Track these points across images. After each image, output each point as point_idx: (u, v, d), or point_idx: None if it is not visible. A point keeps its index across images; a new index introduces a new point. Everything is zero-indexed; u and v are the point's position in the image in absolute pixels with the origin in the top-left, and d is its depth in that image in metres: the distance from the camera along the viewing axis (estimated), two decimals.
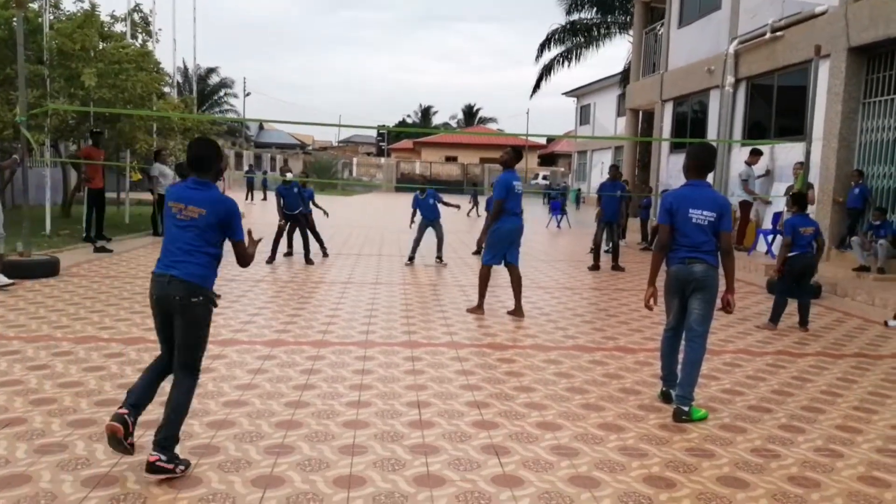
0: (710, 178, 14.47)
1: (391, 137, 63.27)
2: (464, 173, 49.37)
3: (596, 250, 11.38)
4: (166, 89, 17.04)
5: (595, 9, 27.74)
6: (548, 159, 56.50)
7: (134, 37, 14.92)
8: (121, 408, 3.27)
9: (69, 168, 15.83)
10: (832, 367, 5.62)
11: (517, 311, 7.16)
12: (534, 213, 26.55)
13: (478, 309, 7.25)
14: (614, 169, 12.04)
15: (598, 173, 28.62)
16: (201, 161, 3.41)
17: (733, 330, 6.95)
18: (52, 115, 11.82)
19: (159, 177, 13.62)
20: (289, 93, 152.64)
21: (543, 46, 28.89)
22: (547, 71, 29.58)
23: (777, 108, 13.86)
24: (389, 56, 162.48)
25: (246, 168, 37.78)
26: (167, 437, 3.21)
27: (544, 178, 46.29)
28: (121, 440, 3.18)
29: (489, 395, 4.54)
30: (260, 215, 21.03)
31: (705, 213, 4.25)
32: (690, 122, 17.52)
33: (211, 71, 48.95)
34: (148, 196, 15.20)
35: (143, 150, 14.39)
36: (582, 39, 28.40)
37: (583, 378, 5.02)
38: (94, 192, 11.96)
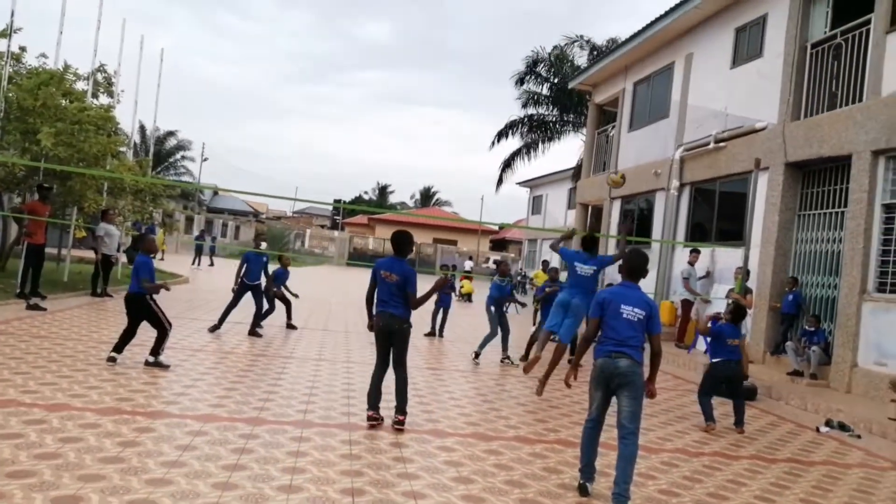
0: (653, 274, 14.81)
1: (346, 212, 63.60)
2: (416, 252, 49.68)
3: (530, 343, 10.81)
4: (122, 149, 16.91)
5: (551, 105, 29.07)
6: (499, 244, 57.47)
7: (95, 96, 14.88)
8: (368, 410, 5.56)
9: (10, 221, 15.33)
10: (766, 472, 5.69)
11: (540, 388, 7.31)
12: (483, 295, 26.75)
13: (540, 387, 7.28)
14: (553, 271, 12.49)
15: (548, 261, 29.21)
16: (403, 245, 5.85)
17: (672, 428, 7.01)
18: None
19: (104, 236, 13.32)
20: (245, 159, 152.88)
21: (501, 135, 29.99)
22: (507, 166, 30.71)
23: (719, 212, 14.53)
24: (349, 132, 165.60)
25: (196, 233, 37.23)
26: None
27: (494, 262, 46.87)
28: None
29: (427, 486, 4.43)
30: (205, 281, 20.60)
31: (636, 310, 4.55)
32: (637, 219, 18.17)
33: (170, 134, 48.90)
34: (90, 254, 14.79)
35: (92, 209, 14.10)
36: (539, 134, 29.60)
37: (522, 471, 4.96)
38: (35, 248, 11.57)
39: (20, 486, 3.72)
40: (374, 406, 5.80)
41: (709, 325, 8.39)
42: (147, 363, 7.16)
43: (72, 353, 7.53)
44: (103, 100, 15.09)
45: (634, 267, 4.72)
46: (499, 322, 10.71)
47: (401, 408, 5.78)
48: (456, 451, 5.31)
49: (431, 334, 12.67)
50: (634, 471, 4.42)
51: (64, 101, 12.97)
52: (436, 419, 6.30)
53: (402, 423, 5.72)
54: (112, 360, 7.18)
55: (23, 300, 10.94)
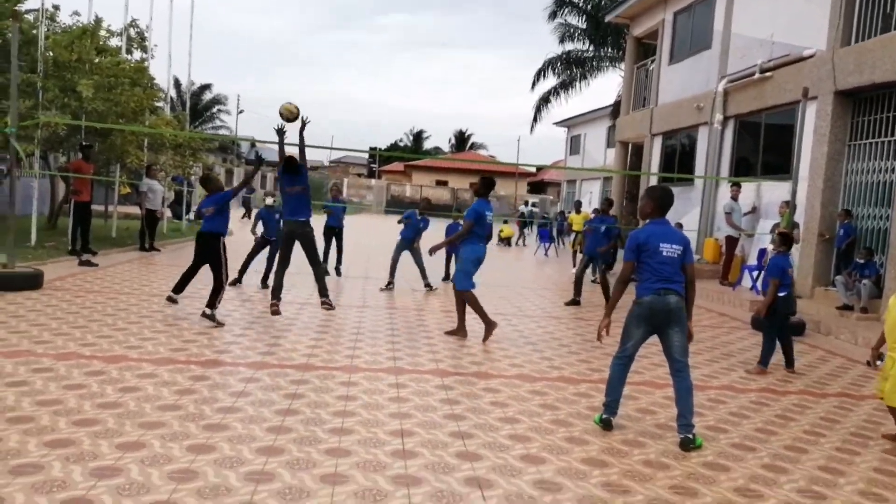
0: (696, 211, 14.53)
1: (382, 160, 63.53)
2: (454, 198, 49.55)
3: (576, 284, 10.78)
4: (159, 104, 17.05)
5: (588, 41, 28.19)
6: (537, 187, 56.87)
7: (129, 52, 14.95)
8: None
9: (57, 180, 15.72)
10: (815, 407, 5.64)
11: (458, 330, 7.43)
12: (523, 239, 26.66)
13: (490, 326, 7.30)
14: (606, 203, 11.88)
15: (587, 203, 28.77)
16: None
17: (717, 366, 6.97)
18: (42, 126, 11.77)
19: (148, 192, 13.58)
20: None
21: (539, 74, 29.29)
22: (544, 102, 29.99)
23: (764, 145, 14.07)
24: (383, 79, 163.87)
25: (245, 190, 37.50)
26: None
27: (533, 205, 46.52)
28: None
29: (473, 426, 4.51)
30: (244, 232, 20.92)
31: (674, 246, 4.52)
32: (679, 156, 17.73)
33: (205, 87, 49.03)
34: (137, 210, 15.12)
35: (134, 164, 14.35)
36: (576, 71, 28.81)
37: (568, 410, 5.01)
38: (81, 205, 11.89)
39: (87, 433, 3.89)
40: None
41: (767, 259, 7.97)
42: (204, 314, 7.10)
43: (125, 306, 7.77)
44: (137, 55, 15.15)
45: (662, 202, 4.66)
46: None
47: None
48: (501, 392, 5.38)
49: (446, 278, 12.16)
50: (693, 402, 4.48)
51: (98, 58, 13.07)
52: (479, 361, 6.37)
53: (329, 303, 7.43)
54: (172, 300, 7.43)
55: (75, 257, 11.30)
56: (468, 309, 7.40)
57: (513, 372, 6.07)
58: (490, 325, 7.28)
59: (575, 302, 10.65)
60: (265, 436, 4.06)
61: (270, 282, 10.20)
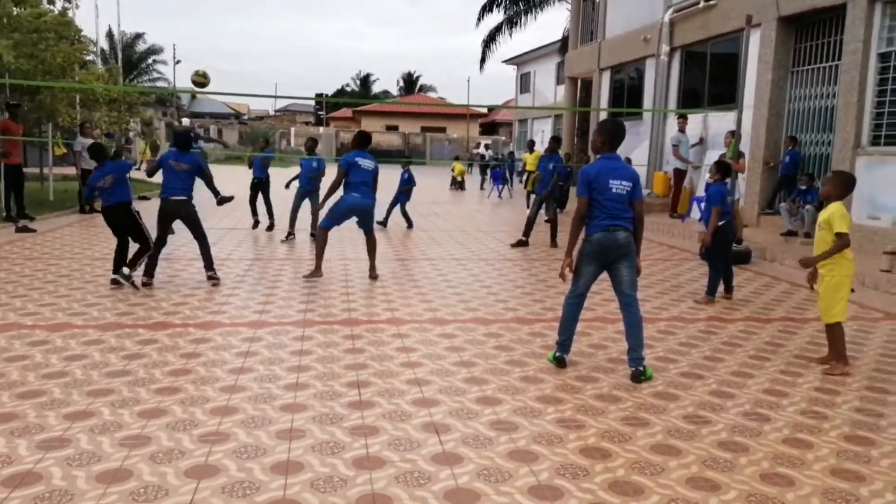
0: (645, 145, 14.63)
1: (329, 107, 62.11)
2: (405, 143, 48.97)
3: (528, 225, 10.70)
4: (89, 58, 16.21)
5: None
6: (489, 128, 56.53)
7: (51, 2, 14.07)
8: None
9: None
10: (760, 332, 5.83)
11: (371, 273, 7.68)
12: (474, 181, 26.61)
13: (316, 272, 7.51)
14: (553, 141, 11.63)
15: (540, 142, 28.73)
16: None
17: (667, 297, 7.13)
18: None
19: (83, 151, 13.00)
20: (222, 60, 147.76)
21: (484, 10, 28.71)
22: (491, 39, 29.47)
23: (710, 76, 14.15)
24: (326, 21, 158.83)
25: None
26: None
27: (487, 147, 46.32)
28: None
29: (430, 372, 4.53)
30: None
31: (623, 183, 4.52)
32: (627, 90, 17.75)
33: (138, 37, 46.80)
34: (72, 171, 14.52)
35: (67, 122, 13.71)
36: (521, 6, 28.31)
37: (522, 351, 5.07)
38: (13, 168, 11.34)
39: (32, 405, 3.78)
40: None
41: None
42: (118, 274, 6.73)
43: (67, 272, 7.52)
44: (59, 5, 14.27)
45: (614, 136, 4.62)
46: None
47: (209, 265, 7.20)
48: (457, 336, 5.41)
49: (382, 223, 12.07)
50: (643, 335, 4.56)
51: (17, 10, 12.28)
52: (435, 308, 6.38)
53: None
54: (116, 281, 6.79)
55: (11, 223, 10.84)
56: (323, 251, 7.66)
57: (468, 316, 6.10)
58: (317, 272, 7.49)
59: (522, 243, 10.57)
60: (218, 396, 4.01)
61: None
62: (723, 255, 7.01)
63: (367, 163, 7.47)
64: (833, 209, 4.70)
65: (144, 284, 6.85)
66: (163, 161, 7.18)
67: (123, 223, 6.93)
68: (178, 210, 7.08)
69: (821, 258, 4.73)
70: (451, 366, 4.68)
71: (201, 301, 6.37)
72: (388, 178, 13.41)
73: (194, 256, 8.72)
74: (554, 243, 10.61)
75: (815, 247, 4.87)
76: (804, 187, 10.55)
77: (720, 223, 6.84)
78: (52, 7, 13.82)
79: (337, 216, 7.54)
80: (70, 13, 14.01)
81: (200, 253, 7.27)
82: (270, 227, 11.32)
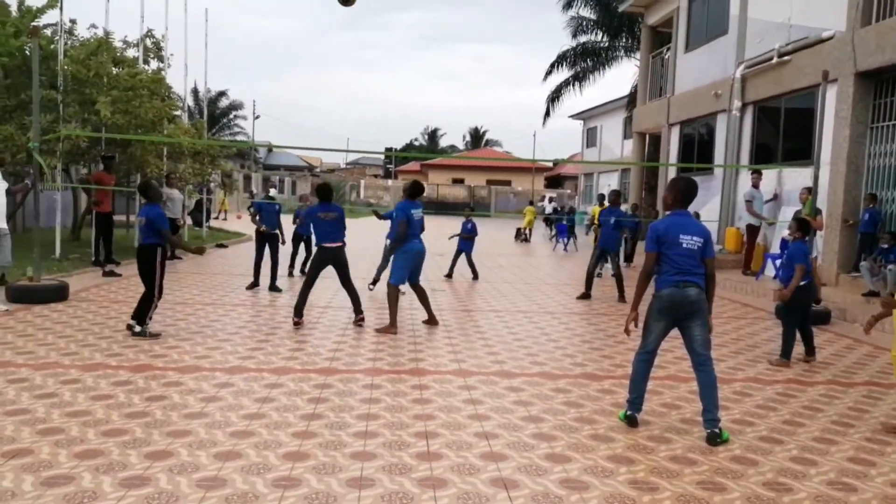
0: (717, 200, 14.35)
1: (398, 161, 63.63)
2: (470, 195, 49.51)
3: (588, 279, 10.72)
4: (177, 113, 17.22)
5: (601, 31, 27.95)
6: (554, 181, 56.62)
7: (146, 62, 15.10)
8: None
9: (80, 192, 15.95)
10: (843, 397, 5.56)
11: (431, 321, 7.87)
12: (539, 234, 26.58)
13: (391, 328, 7.47)
14: (614, 194, 11.48)
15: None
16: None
17: (742, 357, 6.89)
18: (64, 139, 11.95)
19: (167, 201, 13.69)
20: (295, 113, 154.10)
21: (554, 66, 29.04)
22: (556, 95, 29.74)
23: (784, 131, 13.88)
24: (394, 78, 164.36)
25: (262, 191, 37.78)
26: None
27: (551, 200, 46.34)
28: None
29: (497, 426, 4.50)
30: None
31: (695, 238, 4.48)
32: (697, 145, 17.56)
33: (221, 94, 49.43)
34: None
35: (154, 173, 14.50)
36: (589, 63, 28.57)
37: (592, 408, 4.99)
38: (103, 216, 12.04)
39: (115, 443, 3.95)
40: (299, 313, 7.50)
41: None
42: (130, 328, 6.72)
43: None
44: (153, 65, 15.31)
45: (685, 194, 4.60)
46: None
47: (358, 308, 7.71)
48: (524, 390, 5.36)
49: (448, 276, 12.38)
50: (718, 396, 4.45)
51: (115, 69, 13.23)
52: (502, 360, 6.36)
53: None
54: (132, 328, 6.72)
55: (98, 267, 11.45)
56: (423, 304, 7.86)
57: (535, 370, 6.05)
58: (391, 328, 7.45)
59: (586, 296, 10.57)
60: (290, 441, 4.09)
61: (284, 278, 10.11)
62: (802, 315, 6.75)
63: (419, 213, 7.71)
64: None
65: (295, 324, 7.42)
66: (311, 213, 7.85)
67: (142, 265, 6.82)
68: (335, 256, 7.70)
69: None
70: (518, 420, 4.64)
71: (275, 346, 6.54)
72: (452, 229, 13.62)
73: (273, 298, 8.98)
74: (622, 298, 10.46)
75: None
76: (886, 246, 10.11)
77: (802, 283, 6.60)
78: (146, 67, 14.85)
79: (407, 269, 7.63)
80: (163, 73, 15.00)
81: (349, 297, 7.80)
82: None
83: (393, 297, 7.56)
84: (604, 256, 10.87)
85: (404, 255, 7.61)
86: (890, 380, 6.19)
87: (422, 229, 7.74)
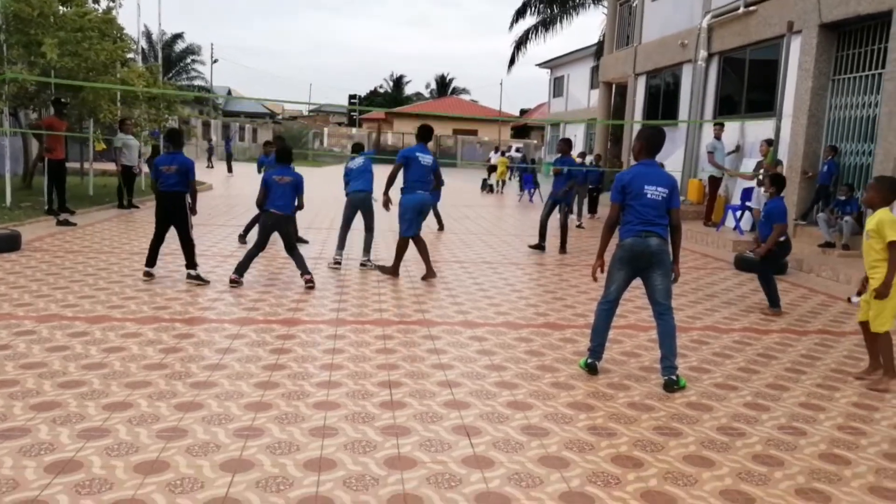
0: (680, 152, 14.38)
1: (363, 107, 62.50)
2: (437, 145, 49.05)
3: (541, 229, 10.41)
4: (130, 55, 16.55)
5: None
6: (521, 131, 56.35)
7: (95, 1, 14.40)
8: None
9: (30, 138, 15.34)
10: (796, 344, 5.73)
11: (429, 274, 7.65)
12: (513, 188, 26.53)
13: (393, 274, 7.60)
14: (563, 143, 11.12)
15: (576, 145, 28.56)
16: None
17: (701, 307, 7.04)
18: (9, 82, 11.41)
19: (123, 147, 13.28)
20: (257, 58, 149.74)
21: (519, 14, 28.63)
22: (522, 42, 29.39)
23: (749, 83, 13.94)
24: (361, 21, 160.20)
25: (220, 138, 36.84)
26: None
27: (517, 150, 46.20)
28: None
29: (460, 375, 4.54)
30: (228, 186, 20.72)
31: (659, 189, 4.49)
32: (663, 95, 17.57)
33: (177, 37, 47.63)
34: (112, 167, 14.83)
35: (107, 119, 14.00)
36: (556, 9, 28.19)
37: (553, 356, 5.06)
38: (55, 164, 11.62)
39: (73, 395, 3.88)
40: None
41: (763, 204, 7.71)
42: (190, 276, 6.99)
43: (106, 265, 7.69)
44: (104, 4, 14.59)
45: (653, 144, 4.61)
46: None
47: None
48: (487, 340, 5.41)
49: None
50: (677, 344, 4.53)
51: (62, 8, 12.58)
52: (466, 310, 6.39)
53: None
54: (149, 275, 7.02)
55: (52, 216, 11.11)
56: (423, 253, 7.69)
57: (499, 320, 6.10)
58: (394, 274, 7.53)
59: (539, 246, 10.37)
60: (253, 391, 4.07)
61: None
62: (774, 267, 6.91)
63: (427, 158, 7.40)
64: (880, 216, 4.59)
65: (233, 282, 6.94)
66: (268, 176, 7.16)
67: (175, 212, 6.95)
68: (277, 223, 7.02)
69: (890, 280, 4.52)
70: (481, 369, 4.68)
71: (236, 297, 6.46)
72: None
73: (231, 251, 8.85)
74: (563, 249, 10.40)
75: (864, 255, 4.77)
76: (843, 198, 10.34)
77: (780, 239, 6.72)
78: (96, 6, 14.16)
79: (412, 219, 7.46)
80: (113, 12, 14.33)
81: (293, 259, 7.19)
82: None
83: (401, 246, 7.59)
84: (556, 206, 10.70)
85: (405, 207, 7.41)
86: (842, 328, 6.40)
87: (435, 178, 7.50)
